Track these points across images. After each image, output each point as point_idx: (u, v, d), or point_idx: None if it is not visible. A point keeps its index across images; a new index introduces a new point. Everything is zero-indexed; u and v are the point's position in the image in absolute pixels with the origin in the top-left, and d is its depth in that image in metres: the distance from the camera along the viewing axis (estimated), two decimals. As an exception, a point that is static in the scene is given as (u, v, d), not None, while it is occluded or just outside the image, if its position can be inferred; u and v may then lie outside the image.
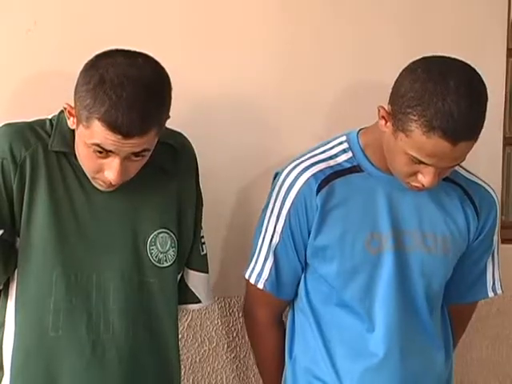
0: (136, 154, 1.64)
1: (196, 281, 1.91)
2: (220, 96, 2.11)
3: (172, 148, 1.82)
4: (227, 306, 2.21)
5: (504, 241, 2.39)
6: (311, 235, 1.82)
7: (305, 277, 1.88)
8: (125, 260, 1.75)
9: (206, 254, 1.93)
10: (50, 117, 1.77)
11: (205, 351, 2.22)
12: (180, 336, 2.12)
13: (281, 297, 1.90)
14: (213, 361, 2.23)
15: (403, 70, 1.71)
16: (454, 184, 1.86)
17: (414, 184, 1.73)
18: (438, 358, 1.89)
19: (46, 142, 1.72)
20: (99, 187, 1.71)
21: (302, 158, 1.85)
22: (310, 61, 2.19)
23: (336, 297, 1.84)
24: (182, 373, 2.14)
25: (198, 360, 2.22)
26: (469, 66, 1.69)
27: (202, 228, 1.91)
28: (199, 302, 1.94)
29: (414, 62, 1.71)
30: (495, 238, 1.93)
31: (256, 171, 2.15)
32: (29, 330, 1.73)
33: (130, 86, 1.57)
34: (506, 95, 2.38)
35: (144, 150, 1.64)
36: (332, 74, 2.20)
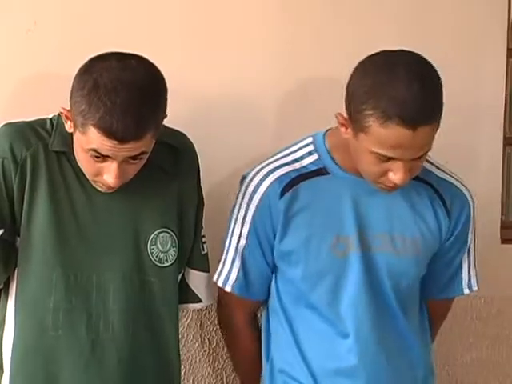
0: (133, 157, 1.64)
1: (197, 280, 1.91)
2: (220, 96, 2.11)
3: (173, 148, 1.82)
4: (227, 306, 2.20)
5: (504, 241, 2.39)
6: (276, 239, 1.80)
7: (276, 278, 1.87)
8: (125, 260, 1.75)
9: (206, 254, 1.93)
10: (50, 116, 1.77)
11: (205, 351, 2.22)
12: (180, 336, 2.12)
13: (250, 298, 1.89)
14: (213, 361, 2.23)
15: (352, 73, 1.70)
16: (425, 183, 1.83)
17: (386, 184, 1.70)
18: (414, 357, 1.87)
19: (47, 141, 1.72)
20: (100, 189, 1.72)
21: (268, 161, 1.84)
22: (310, 61, 2.19)
23: (304, 300, 1.82)
24: (182, 373, 2.14)
25: (198, 360, 2.22)
26: (416, 53, 1.69)
27: (202, 227, 1.91)
28: (200, 301, 1.94)
29: (360, 62, 1.70)
30: (470, 235, 1.90)
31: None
32: (28, 328, 1.73)
33: (123, 91, 1.57)
34: (506, 95, 2.37)
35: (141, 153, 1.64)
36: (332, 73, 2.19)
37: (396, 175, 1.66)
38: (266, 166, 1.83)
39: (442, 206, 1.84)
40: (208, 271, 1.93)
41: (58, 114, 1.74)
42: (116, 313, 1.74)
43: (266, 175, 1.80)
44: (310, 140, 1.84)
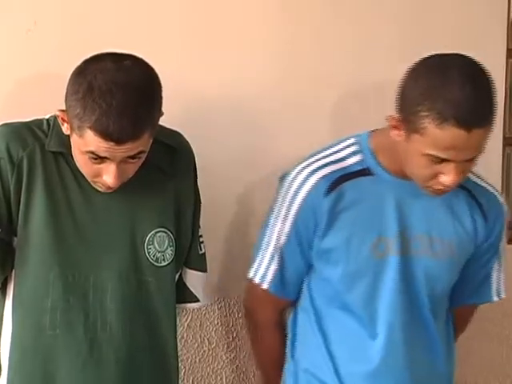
0: (132, 157, 1.64)
1: (194, 280, 1.92)
2: (219, 96, 2.11)
3: (170, 148, 1.82)
4: (227, 306, 2.21)
5: (504, 241, 2.39)
6: (318, 238, 1.81)
7: (309, 278, 1.88)
8: (123, 260, 1.76)
9: (204, 253, 1.93)
10: (47, 117, 1.78)
11: (204, 352, 2.22)
12: (180, 336, 2.13)
13: (284, 297, 1.90)
14: (212, 361, 2.23)
15: (404, 76, 1.71)
16: (463, 188, 1.84)
17: (436, 187, 1.72)
18: (439, 363, 1.88)
19: (43, 141, 1.73)
20: (99, 189, 1.72)
21: (311, 160, 1.84)
22: (309, 61, 2.19)
23: (339, 300, 1.83)
24: (182, 373, 2.15)
25: (197, 360, 2.22)
26: (468, 56, 1.70)
27: (200, 227, 1.91)
28: (197, 301, 1.94)
29: (412, 66, 1.71)
30: (502, 242, 1.92)
31: (255, 172, 2.15)
32: (26, 328, 1.73)
33: (119, 93, 1.57)
34: (505, 95, 2.37)
35: (139, 152, 1.64)
36: (332, 74, 2.20)
37: (448, 177, 1.68)
38: (309, 164, 1.82)
39: (479, 211, 1.86)
40: (205, 271, 1.94)
41: (55, 115, 1.74)
42: (113, 312, 1.74)
43: (311, 174, 1.80)
44: (353, 140, 1.85)
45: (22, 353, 1.74)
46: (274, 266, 1.85)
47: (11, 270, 1.74)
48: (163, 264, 1.79)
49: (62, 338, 1.72)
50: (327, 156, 1.83)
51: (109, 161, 1.63)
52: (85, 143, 1.61)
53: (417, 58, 2.24)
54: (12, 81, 1.98)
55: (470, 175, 1.87)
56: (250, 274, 1.88)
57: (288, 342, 1.92)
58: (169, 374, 1.86)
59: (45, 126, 1.75)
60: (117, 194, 1.72)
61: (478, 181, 1.89)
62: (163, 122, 1.70)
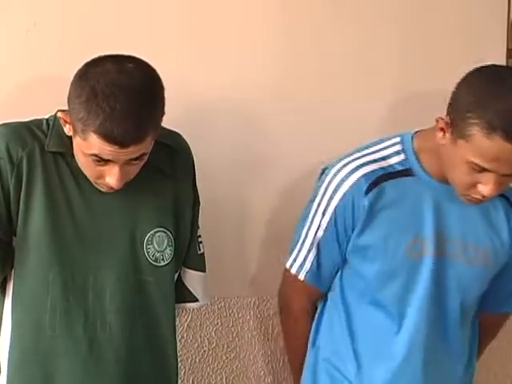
0: (134, 159, 1.64)
1: (193, 280, 1.92)
2: (219, 97, 2.11)
3: (169, 148, 1.82)
4: (227, 306, 2.21)
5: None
6: (355, 234, 1.82)
7: (341, 271, 1.89)
8: (122, 260, 1.76)
9: (202, 254, 1.93)
10: (46, 117, 1.77)
11: (204, 351, 2.22)
12: (180, 336, 2.13)
13: (318, 288, 1.92)
14: (212, 361, 2.24)
15: (459, 81, 1.70)
16: (501, 196, 1.84)
17: (473, 196, 1.72)
18: (458, 369, 1.89)
19: (43, 142, 1.73)
20: (102, 189, 1.72)
21: (354, 156, 1.84)
22: (310, 61, 2.19)
23: (371, 295, 1.84)
24: (182, 373, 2.15)
25: (197, 360, 2.22)
26: None
27: (198, 227, 1.91)
28: (197, 300, 1.94)
29: (468, 72, 1.71)
30: None
31: (254, 173, 2.15)
32: (26, 328, 1.73)
33: (122, 96, 1.57)
34: (506, 95, 2.37)
35: (142, 154, 1.65)
36: (332, 74, 2.20)
37: (486, 187, 1.68)
38: (352, 160, 1.83)
39: None
40: (204, 271, 1.93)
41: (55, 115, 1.74)
42: (113, 312, 1.74)
43: (353, 170, 1.81)
44: (397, 139, 1.85)
45: (21, 352, 1.74)
46: (311, 259, 1.87)
47: (11, 270, 1.74)
48: (162, 264, 1.79)
49: (61, 337, 1.72)
50: (370, 154, 1.84)
51: (112, 163, 1.63)
52: (88, 146, 1.61)
53: (417, 58, 2.26)
54: (11, 81, 1.98)
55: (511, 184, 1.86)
56: (287, 265, 1.91)
57: (312, 332, 1.94)
58: (169, 373, 1.86)
59: (44, 126, 1.75)
60: (116, 194, 1.72)
61: None
62: (163, 122, 1.70)
